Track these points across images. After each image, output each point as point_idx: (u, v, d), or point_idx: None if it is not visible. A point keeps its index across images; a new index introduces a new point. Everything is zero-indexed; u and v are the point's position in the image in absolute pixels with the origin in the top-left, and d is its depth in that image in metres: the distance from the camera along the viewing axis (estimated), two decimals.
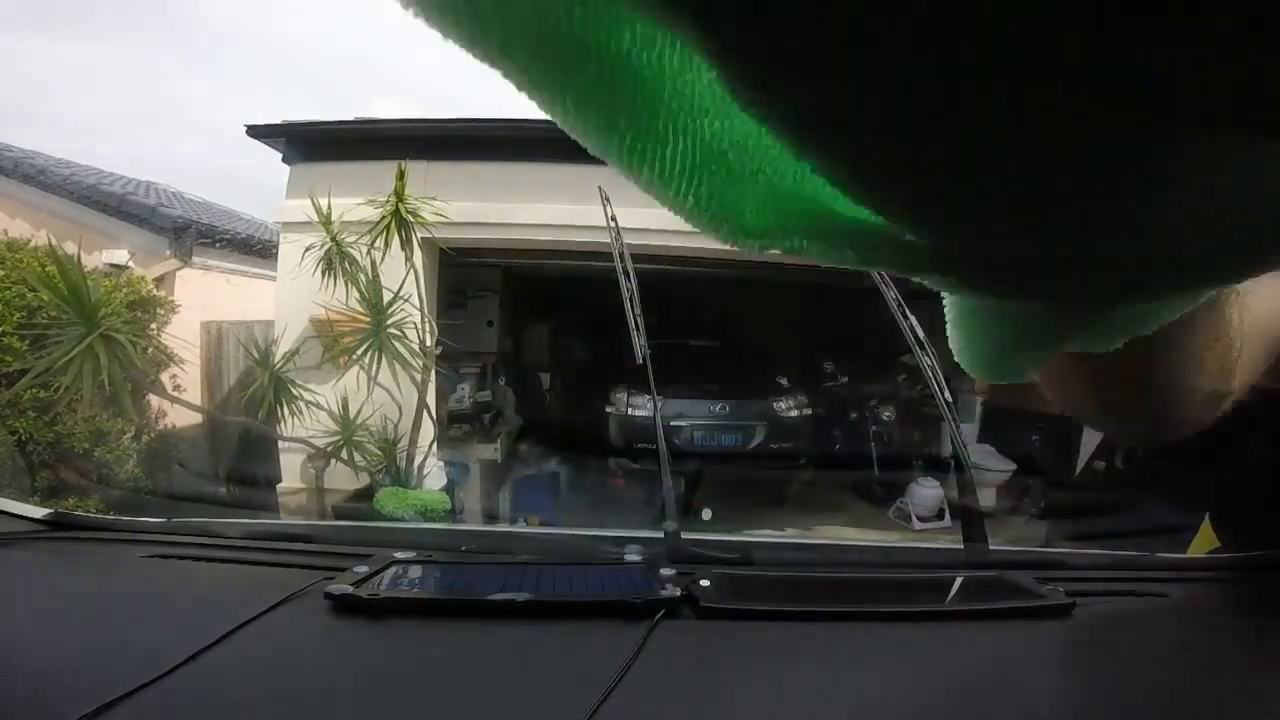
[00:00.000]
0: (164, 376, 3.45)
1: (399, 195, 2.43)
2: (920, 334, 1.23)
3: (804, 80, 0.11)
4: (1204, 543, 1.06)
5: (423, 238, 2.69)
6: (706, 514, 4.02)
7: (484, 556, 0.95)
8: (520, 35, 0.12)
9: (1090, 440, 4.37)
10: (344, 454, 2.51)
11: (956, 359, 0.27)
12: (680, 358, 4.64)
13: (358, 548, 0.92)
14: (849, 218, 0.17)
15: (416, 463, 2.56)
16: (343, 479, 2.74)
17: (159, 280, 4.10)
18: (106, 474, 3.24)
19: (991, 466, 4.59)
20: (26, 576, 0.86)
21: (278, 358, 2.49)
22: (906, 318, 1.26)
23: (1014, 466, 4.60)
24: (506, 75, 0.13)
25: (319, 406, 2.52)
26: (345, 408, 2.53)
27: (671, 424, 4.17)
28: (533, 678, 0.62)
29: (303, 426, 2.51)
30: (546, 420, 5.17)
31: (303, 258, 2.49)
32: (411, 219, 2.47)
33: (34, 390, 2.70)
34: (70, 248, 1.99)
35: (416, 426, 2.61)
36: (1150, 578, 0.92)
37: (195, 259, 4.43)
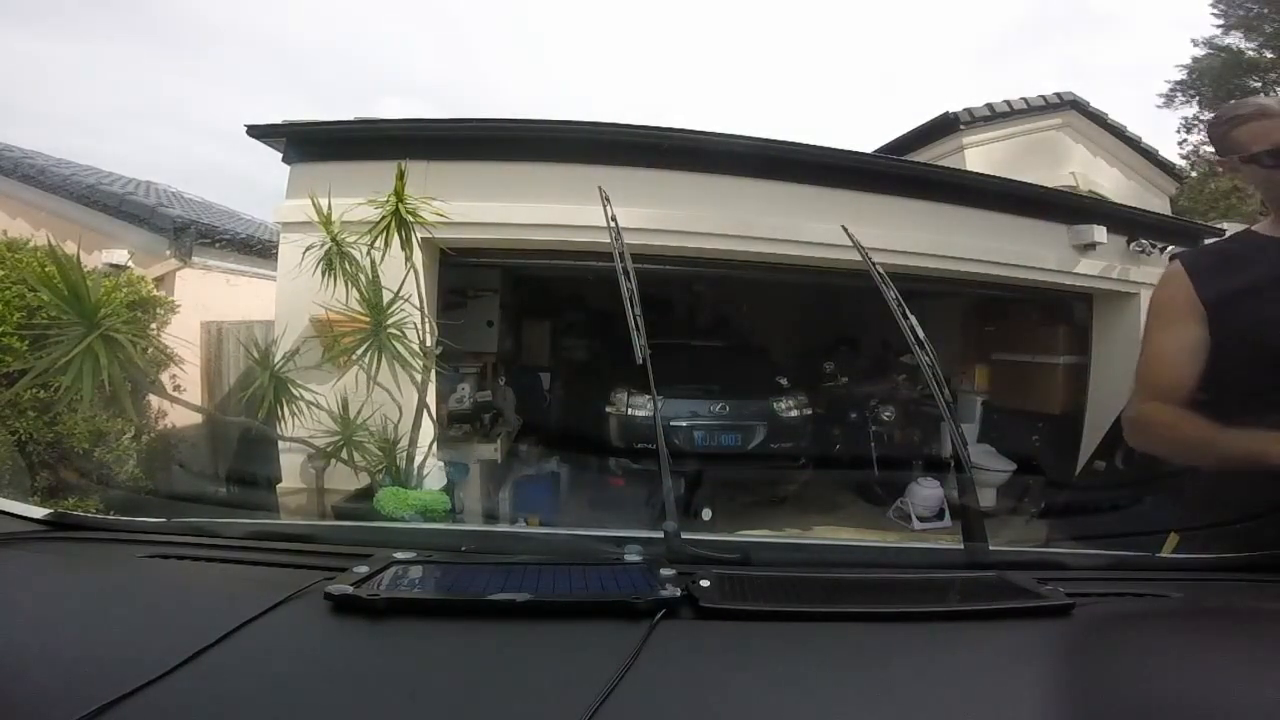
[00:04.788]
0: (164, 376, 3.44)
1: (399, 195, 2.42)
2: (920, 334, 1.23)
3: None
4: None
5: (423, 238, 2.69)
6: (706, 514, 4.02)
7: (484, 556, 0.95)
8: None
9: (1090, 440, 4.37)
10: (344, 454, 2.50)
11: None
12: (680, 358, 4.64)
13: (358, 548, 0.91)
14: None
15: (416, 463, 2.55)
16: (343, 479, 2.74)
17: (159, 280, 4.10)
18: (106, 474, 3.23)
19: (991, 466, 4.59)
20: (26, 576, 0.86)
21: (278, 358, 2.48)
22: (906, 318, 1.26)
23: (1014, 466, 4.60)
24: None
25: (319, 406, 2.51)
26: (345, 408, 2.52)
27: (671, 424, 4.17)
28: (533, 678, 0.62)
29: (303, 426, 2.50)
30: (546, 420, 5.16)
31: (303, 258, 2.48)
32: (411, 219, 2.46)
33: (34, 390, 2.70)
34: (70, 248, 1.98)
35: (416, 426, 2.60)
36: (1150, 578, 0.92)
37: (195, 259, 4.43)
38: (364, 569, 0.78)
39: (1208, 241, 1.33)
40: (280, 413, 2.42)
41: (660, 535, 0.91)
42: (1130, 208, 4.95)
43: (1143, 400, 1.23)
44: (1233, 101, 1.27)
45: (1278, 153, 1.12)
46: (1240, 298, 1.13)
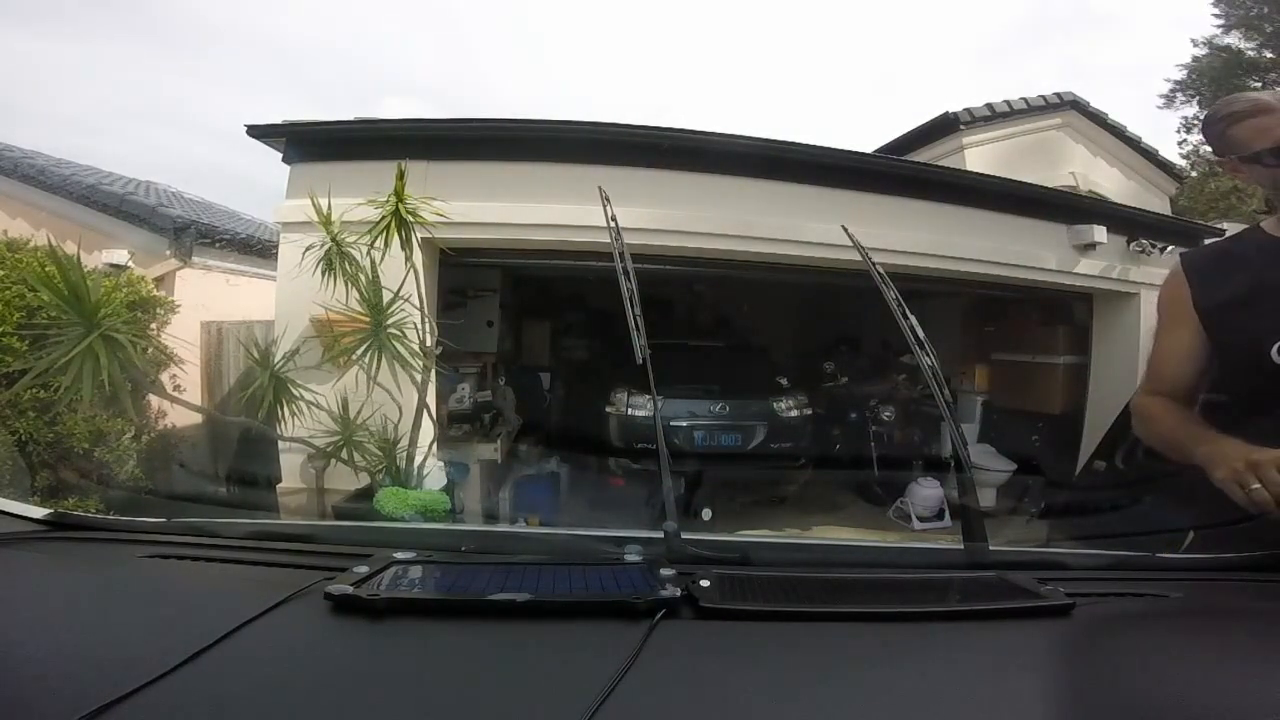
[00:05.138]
0: (164, 376, 3.44)
1: (399, 195, 2.42)
2: (920, 334, 1.23)
3: None
4: None
5: (423, 238, 2.69)
6: (706, 514, 4.02)
7: (484, 556, 0.95)
8: None
9: (1090, 440, 4.37)
10: (344, 454, 2.50)
11: None
12: (680, 358, 4.63)
13: (358, 548, 0.92)
14: None
15: (416, 463, 2.54)
16: (343, 479, 2.74)
17: (159, 280, 4.10)
18: (106, 474, 3.23)
19: (991, 466, 4.59)
20: (26, 576, 0.86)
21: (278, 358, 2.48)
22: (906, 318, 1.26)
23: (1014, 466, 4.60)
24: None
25: (319, 406, 2.51)
26: (345, 408, 2.52)
27: (671, 424, 4.17)
28: (533, 678, 0.62)
29: (303, 426, 2.50)
30: (546, 420, 5.16)
31: (303, 258, 2.48)
32: (411, 219, 2.46)
33: (34, 390, 2.70)
34: (70, 248, 1.98)
35: (416, 426, 2.60)
36: (1150, 578, 0.92)
37: (195, 259, 4.43)
38: (364, 569, 0.78)
39: (1212, 241, 1.29)
40: (280, 413, 2.42)
41: (660, 535, 0.91)
42: (1130, 208, 4.95)
43: (1143, 392, 1.27)
44: (1225, 98, 1.20)
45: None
46: (1236, 302, 1.12)
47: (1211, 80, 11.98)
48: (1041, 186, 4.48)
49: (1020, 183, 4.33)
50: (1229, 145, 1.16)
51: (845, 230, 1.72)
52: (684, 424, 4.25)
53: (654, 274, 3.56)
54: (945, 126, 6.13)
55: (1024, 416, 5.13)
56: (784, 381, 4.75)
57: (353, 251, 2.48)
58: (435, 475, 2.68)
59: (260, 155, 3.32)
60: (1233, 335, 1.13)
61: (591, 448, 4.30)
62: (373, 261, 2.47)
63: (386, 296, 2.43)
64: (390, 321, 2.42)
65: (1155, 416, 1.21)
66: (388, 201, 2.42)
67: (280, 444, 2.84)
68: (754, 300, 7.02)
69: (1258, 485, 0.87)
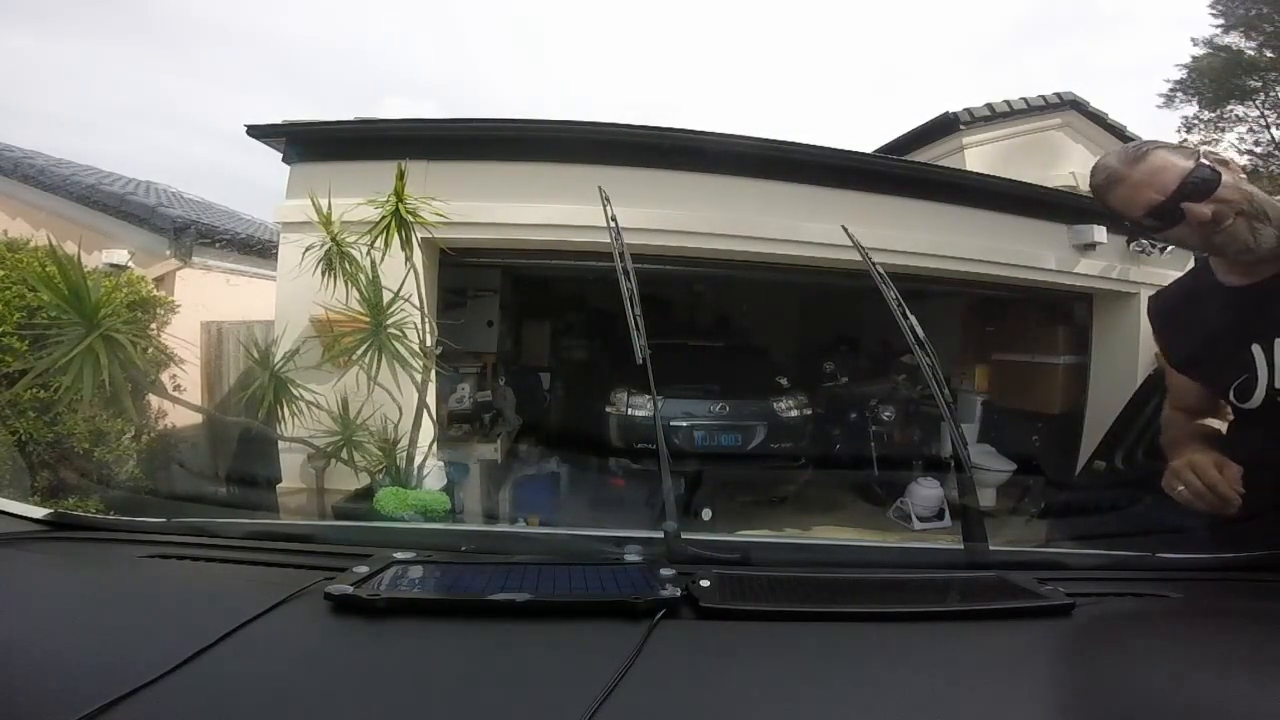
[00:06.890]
0: (164, 376, 3.44)
1: (399, 195, 2.42)
2: (920, 334, 1.23)
3: None
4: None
5: (423, 238, 2.69)
6: (706, 514, 4.02)
7: (484, 556, 0.95)
8: None
9: (1090, 440, 4.37)
10: (344, 454, 2.50)
11: None
12: (680, 358, 4.63)
13: (358, 548, 0.92)
14: None
15: (416, 463, 2.54)
16: (343, 479, 2.74)
17: (159, 280, 4.10)
18: (106, 474, 3.23)
19: (991, 466, 4.59)
20: (26, 576, 0.86)
21: (278, 358, 2.48)
22: (906, 318, 1.26)
23: (1014, 466, 4.60)
24: None
25: (319, 406, 2.51)
26: (345, 408, 2.52)
27: (671, 424, 4.17)
28: (533, 678, 0.62)
29: (303, 426, 2.50)
30: (546, 420, 5.16)
31: (303, 258, 2.48)
32: (411, 219, 2.46)
33: (34, 390, 2.70)
34: (70, 248, 1.98)
35: (416, 426, 2.60)
36: (1150, 578, 0.92)
37: (195, 259, 4.43)
38: (364, 569, 0.78)
39: (1174, 281, 1.32)
40: (280, 413, 2.42)
41: (660, 535, 0.91)
42: None
43: (1167, 405, 1.34)
44: (1094, 165, 1.13)
45: (1155, 213, 1.04)
46: (1195, 354, 1.19)
47: (1212, 80, 11.98)
48: (1041, 186, 4.48)
49: (1020, 183, 4.33)
50: (1119, 214, 1.12)
51: (845, 230, 1.72)
52: (684, 424, 4.25)
53: (654, 274, 3.56)
54: (945, 126, 6.13)
55: (1024, 416, 5.13)
56: (784, 381, 4.75)
57: (353, 251, 2.48)
58: (435, 475, 2.68)
59: (260, 155, 3.33)
60: (1200, 380, 1.20)
61: (591, 448, 4.30)
62: (373, 261, 2.47)
63: (386, 296, 2.43)
64: (390, 321, 2.42)
65: (1164, 427, 1.30)
66: (388, 201, 2.42)
67: (280, 444, 2.84)
68: (754, 300, 7.02)
69: (1181, 488, 1.03)
